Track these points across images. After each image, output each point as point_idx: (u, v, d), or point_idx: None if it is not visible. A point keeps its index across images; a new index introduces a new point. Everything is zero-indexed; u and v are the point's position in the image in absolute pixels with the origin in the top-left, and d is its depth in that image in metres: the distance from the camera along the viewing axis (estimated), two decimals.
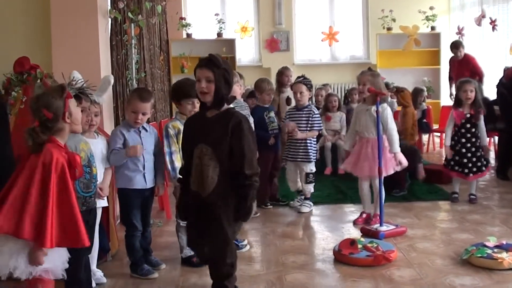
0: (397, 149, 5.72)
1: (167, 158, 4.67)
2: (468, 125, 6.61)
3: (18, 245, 3.13)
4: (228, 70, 3.66)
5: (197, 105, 4.77)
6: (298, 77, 6.58)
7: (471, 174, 6.66)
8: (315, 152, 6.58)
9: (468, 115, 6.60)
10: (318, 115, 6.60)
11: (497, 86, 8.52)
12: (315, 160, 6.60)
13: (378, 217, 5.75)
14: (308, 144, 6.49)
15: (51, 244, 3.08)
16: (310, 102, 6.76)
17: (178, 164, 4.65)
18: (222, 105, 3.70)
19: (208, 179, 3.62)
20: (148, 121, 4.69)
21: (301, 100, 6.46)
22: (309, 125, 6.46)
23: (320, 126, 6.59)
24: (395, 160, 5.73)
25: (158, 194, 4.82)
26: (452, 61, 10.78)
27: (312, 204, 6.66)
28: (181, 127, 4.69)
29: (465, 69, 10.11)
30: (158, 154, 4.71)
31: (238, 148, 3.60)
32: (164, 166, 4.71)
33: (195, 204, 3.76)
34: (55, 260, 3.29)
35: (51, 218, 3.06)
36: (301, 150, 6.50)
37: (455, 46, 10.50)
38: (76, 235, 3.18)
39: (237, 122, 3.61)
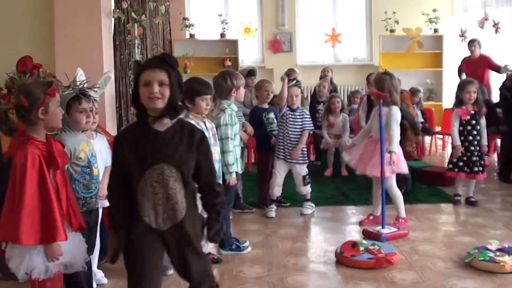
0: (394, 148, 5.66)
1: None
2: (474, 122, 6.62)
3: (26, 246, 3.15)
4: (180, 74, 3.06)
5: (210, 102, 4.78)
6: (290, 80, 6.55)
7: (480, 173, 6.66)
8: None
9: (473, 112, 6.61)
10: (309, 116, 6.65)
11: (500, 88, 8.50)
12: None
13: (400, 220, 5.88)
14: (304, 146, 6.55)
15: (27, 241, 3.10)
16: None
17: None
18: (176, 115, 3.05)
19: (178, 204, 3.01)
20: None
21: (296, 102, 6.47)
22: (304, 125, 6.49)
23: (311, 126, 6.61)
24: (389, 159, 5.63)
25: None
26: (466, 61, 10.66)
27: (313, 206, 6.64)
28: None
29: (480, 68, 10.07)
30: None
31: (206, 164, 3.11)
32: None
33: (150, 239, 3.04)
34: (74, 253, 3.31)
35: (26, 215, 3.08)
36: (305, 152, 6.56)
37: (474, 40, 10.42)
38: (51, 229, 3.17)
39: (201, 136, 3.09)
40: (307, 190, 6.56)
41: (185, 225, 3.04)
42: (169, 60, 3.00)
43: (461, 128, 6.65)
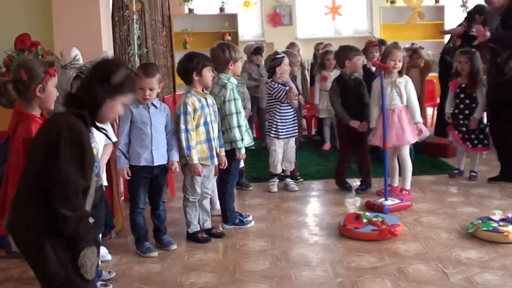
0: (419, 119, 5.76)
1: (183, 135, 4.64)
2: (462, 95, 6.52)
3: None
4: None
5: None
6: (277, 53, 6.34)
7: (469, 144, 6.53)
8: None
9: (463, 85, 6.52)
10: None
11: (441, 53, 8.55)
12: None
13: (404, 191, 5.90)
14: (296, 116, 6.41)
15: None
16: None
17: (192, 143, 4.65)
18: None
19: None
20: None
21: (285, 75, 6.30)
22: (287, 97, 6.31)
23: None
24: (416, 130, 5.75)
25: (174, 171, 4.74)
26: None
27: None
28: (198, 104, 4.69)
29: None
30: (173, 131, 4.68)
31: None
32: (179, 143, 4.68)
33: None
34: None
35: None
36: (296, 124, 6.41)
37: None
38: None
39: None
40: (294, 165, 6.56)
41: None
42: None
43: (457, 101, 6.60)
